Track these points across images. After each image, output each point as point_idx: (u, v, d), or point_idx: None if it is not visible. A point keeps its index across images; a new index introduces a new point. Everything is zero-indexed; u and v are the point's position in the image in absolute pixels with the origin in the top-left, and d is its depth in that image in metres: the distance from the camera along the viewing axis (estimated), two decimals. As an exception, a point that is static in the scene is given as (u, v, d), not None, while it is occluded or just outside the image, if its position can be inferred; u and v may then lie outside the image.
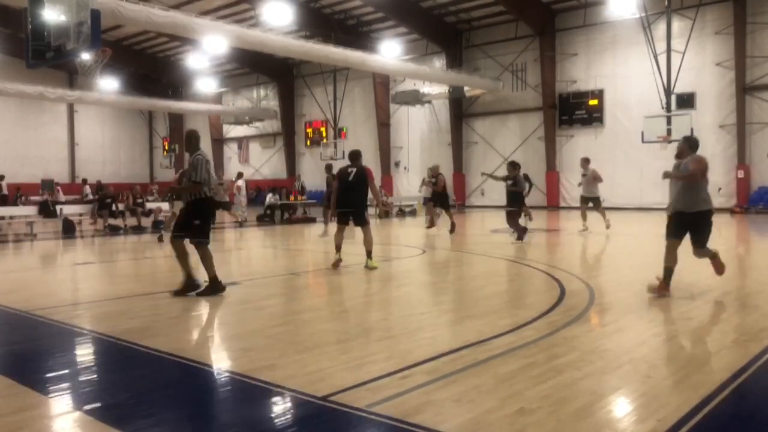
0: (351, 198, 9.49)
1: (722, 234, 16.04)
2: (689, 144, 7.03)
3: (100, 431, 3.36)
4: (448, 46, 29.83)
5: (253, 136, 39.54)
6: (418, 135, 32.29)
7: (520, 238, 13.07)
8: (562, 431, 3.24)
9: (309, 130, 36.57)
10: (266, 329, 5.66)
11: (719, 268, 7.07)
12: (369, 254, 9.42)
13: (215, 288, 7.23)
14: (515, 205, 13.56)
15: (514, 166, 14.10)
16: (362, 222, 9.51)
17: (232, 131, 40.49)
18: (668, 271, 6.74)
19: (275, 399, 3.88)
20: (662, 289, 6.73)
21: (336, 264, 9.38)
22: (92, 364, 4.90)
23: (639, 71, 24.18)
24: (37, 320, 6.20)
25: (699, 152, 7.06)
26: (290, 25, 26.14)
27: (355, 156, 9.80)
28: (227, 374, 4.34)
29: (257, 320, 6.10)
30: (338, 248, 9.52)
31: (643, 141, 21.94)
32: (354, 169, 9.51)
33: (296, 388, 3.91)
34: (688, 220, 6.75)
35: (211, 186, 7.51)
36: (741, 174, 22.97)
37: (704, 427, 3.33)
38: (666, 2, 21.87)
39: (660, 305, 6.59)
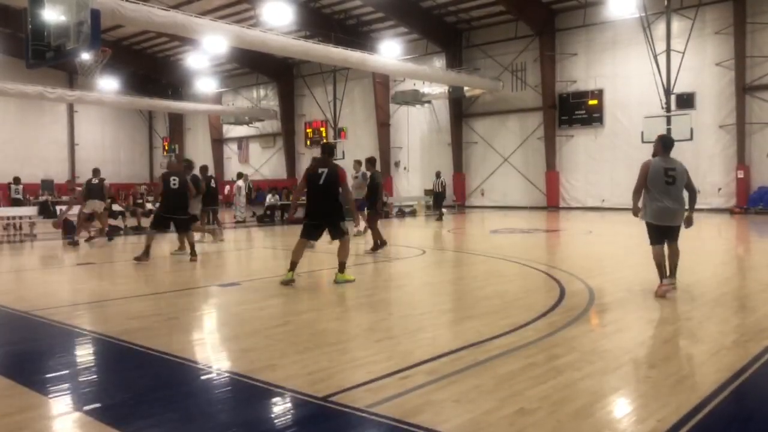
0: (323, 207, 7.93)
1: (722, 234, 16.05)
2: (662, 143, 7.07)
3: (100, 431, 3.36)
4: (447, 46, 29.84)
5: (253, 136, 39.54)
6: (418, 135, 32.29)
7: (376, 248, 11.72)
8: (561, 431, 3.24)
9: (309, 131, 36.56)
10: (266, 329, 5.66)
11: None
12: (342, 267, 8.08)
13: None
14: (373, 207, 11.96)
15: (371, 162, 12.37)
16: (340, 234, 8.07)
17: (232, 131, 40.48)
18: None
19: (275, 399, 3.88)
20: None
21: (287, 283, 7.89)
22: (92, 364, 4.90)
23: (639, 71, 24.17)
24: (37, 320, 6.20)
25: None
26: (290, 25, 26.13)
27: (329, 151, 8.28)
28: (227, 374, 4.34)
29: (257, 321, 6.10)
30: (294, 265, 7.99)
31: (642, 141, 21.91)
32: (326, 170, 7.90)
33: (296, 388, 3.92)
34: None
35: None
36: (741, 174, 22.97)
37: (704, 427, 3.33)
38: (666, 2, 21.87)
39: (660, 305, 6.60)
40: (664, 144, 7.00)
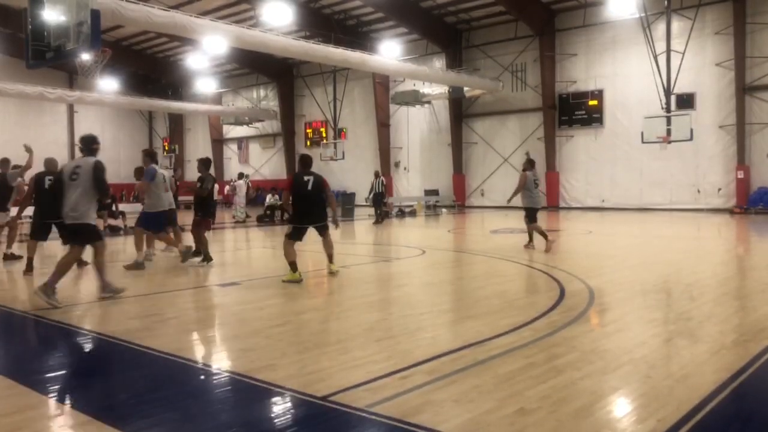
0: (313, 210, 8.78)
1: (722, 234, 16.05)
2: (530, 162, 12.03)
3: (100, 431, 3.36)
4: (447, 46, 29.83)
5: (253, 136, 39.53)
6: (418, 135, 32.28)
7: (196, 258, 10.28)
8: (561, 431, 3.24)
9: (309, 131, 36.56)
10: (266, 329, 5.66)
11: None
12: (331, 258, 9.00)
13: None
14: (201, 211, 10.46)
15: (204, 163, 10.71)
16: (326, 229, 8.99)
17: (232, 131, 40.48)
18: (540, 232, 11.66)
19: (275, 399, 3.88)
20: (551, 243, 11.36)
21: (293, 280, 8.23)
22: (92, 364, 4.90)
23: (639, 71, 24.16)
24: (37, 320, 6.20)
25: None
26: (290, 25, 26.11)
27: (309, 162, 8.97)
28: (227, 374, 4.34)
29: (257, 320, 6.10)
30: (295, 265, 8.43)
31: (642, 141, 21.93)
32: (311, 178, 8.69)
33: (296, 388, 3.92)
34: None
35: None
36: (741, 174, 22.94)
37: (704, 427, 3.33)
38: (666, 2, 21.87)
39: (660, 305, 6.60)
40: (531, 164, 11.92)
